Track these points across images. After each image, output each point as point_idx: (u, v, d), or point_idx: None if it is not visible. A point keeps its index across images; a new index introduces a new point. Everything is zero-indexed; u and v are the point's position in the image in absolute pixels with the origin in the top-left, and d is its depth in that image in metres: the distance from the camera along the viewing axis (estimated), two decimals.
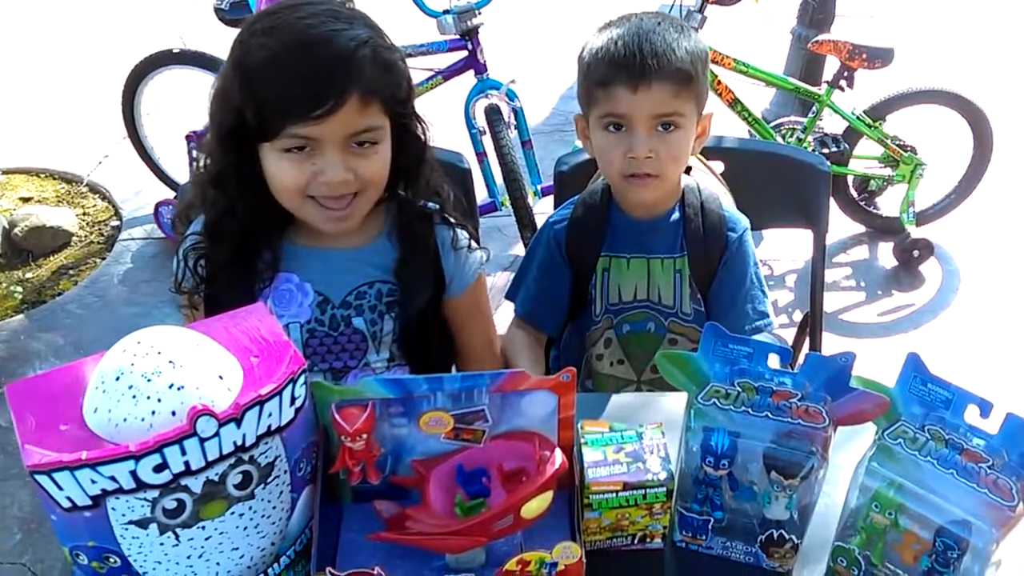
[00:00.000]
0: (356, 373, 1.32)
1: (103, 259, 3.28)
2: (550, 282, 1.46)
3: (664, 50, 1.27)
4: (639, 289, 1.45)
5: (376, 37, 1.16)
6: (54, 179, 3.79)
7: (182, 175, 3.29)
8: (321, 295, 1.29)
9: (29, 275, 3.19)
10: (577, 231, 1.44)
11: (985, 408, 0.87)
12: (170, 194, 3.34)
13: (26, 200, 3.60)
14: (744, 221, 1.46)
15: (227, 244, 1.23)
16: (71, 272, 3.22)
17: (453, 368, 1.46)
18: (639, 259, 1.44)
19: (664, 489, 0.96)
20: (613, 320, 1.47)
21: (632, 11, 1.36)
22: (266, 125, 1.13)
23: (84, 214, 3.56)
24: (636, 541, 1.02)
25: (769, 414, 0.93)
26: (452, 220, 1.35)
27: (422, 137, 1.27)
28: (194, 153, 3.14)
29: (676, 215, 1.43)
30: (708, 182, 1.48)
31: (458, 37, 2.79)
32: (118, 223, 3.49)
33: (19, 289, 3.09)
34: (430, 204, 1.33)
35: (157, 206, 3.27)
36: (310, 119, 1.10)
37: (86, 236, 3.42)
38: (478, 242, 1.40)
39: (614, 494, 0.96)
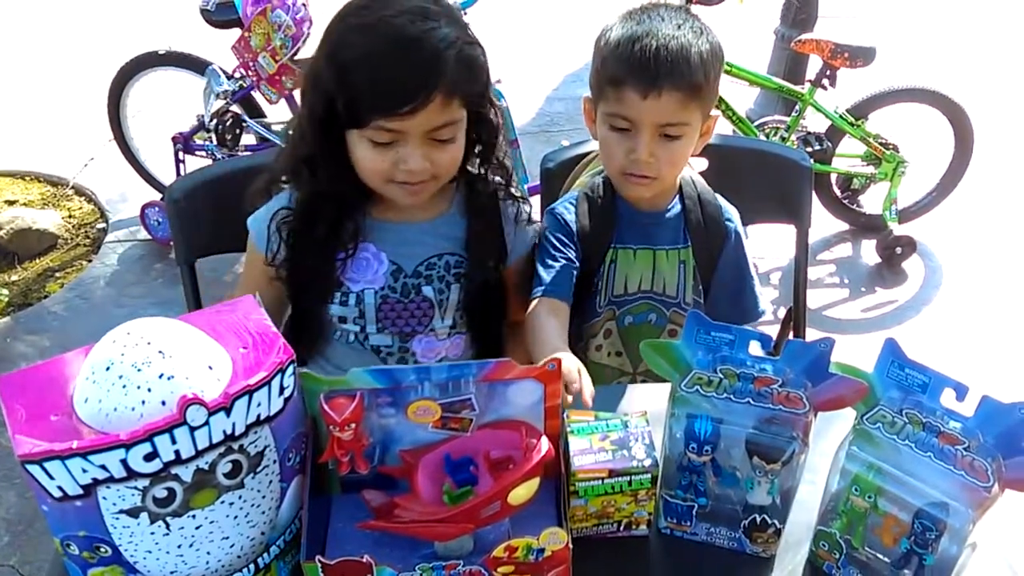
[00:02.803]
0: (421, 338, 1.41)
1: (89, 261, 3.27)
2: (566, 254, 1.44)
3: (679, 59, 1.27)
4: (643, 280, 1.47)
5: (462, 34, 1.24)
6: (39, 182, 3.78)
7: (168, 177, 3.28)
8: (395, 264, 1.37)
9: (15, 278, 3.18)
10: (587, 224, 1.45)
11: (961, 391, 0.89)
12: (156, 196, 3.33)
13: (11, 203, 3.58)
14: (734, 211, 1.50)
15: (321, 219, 1.32)
16: (57, 274, 3.21)
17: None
18: (645, 250, 1.46)
19: (649, 475, 0.98)
20: (616, 312, 1.49)
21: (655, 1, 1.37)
22: (356, 116, 1.21)
23: (70, 216, 3.55)
24: (622, 528, 1.03)
25: (751, 400, 0.95)
26: (516, 195, 1.44)
27: (495, 120, 1.34)
28: (180, 155, 3.14)
29: (677, 207, 1.46)
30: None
31: None
32: (104, 225, 3.48)
33: (5, 292, 3.08)
34: (497, 179, 1.41)
35: (143, 208, 3.26)
36: (396, 115, 1.18)
37: (72, 238, 3.41)
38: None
39: (600, 481, 0.97)
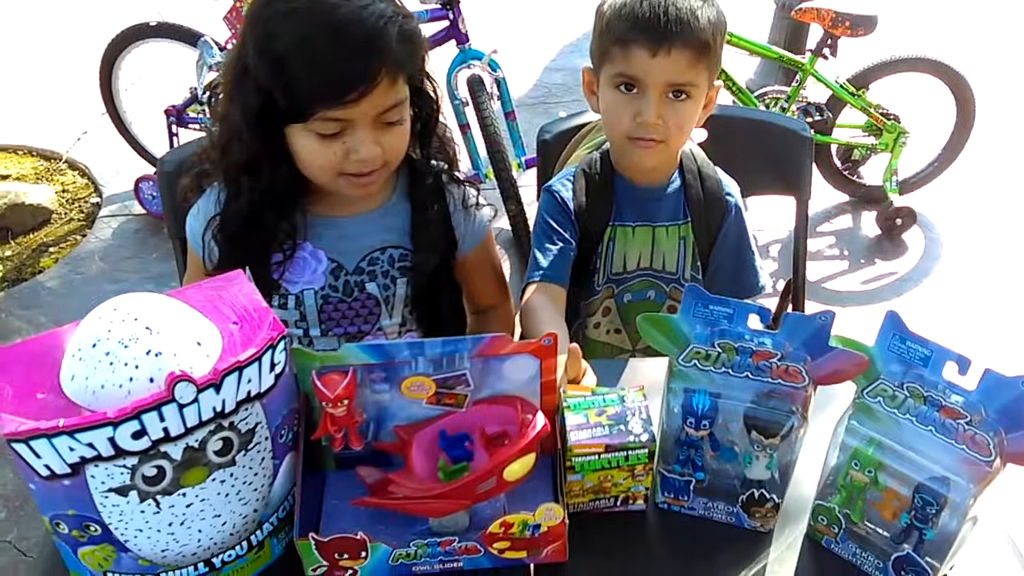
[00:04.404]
0: (370, 338, 1.35)
1: (83, 236, 3.25)
2: (563, 236, 1.42)
3: (688, 16, 1.25)
4: (642, 257, 1.45)
5: (397, 7, 1.16)
6: (32, 156, 3.75)
7: (161, 149, 3.26)
8: (335, 262, 1.30)
9: (8, 253, 3.16)
10: (584, 202, 1.42)
11: (963, 365, 0.87)
12: (150, 169, 3.31)
13: (4, 177, 3.55)
14: (734, 185, 1.48)
15: (262, 224, 1.24)
16: (51, 249, 3.19)
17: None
18: (644, 227, 1.44)
19: (646, 451, 0.97)
20: (615, 289, 1.47)
21: None
22: (298, 109, 1.13)
23: (63, 191, 3.52)
24: (619, 503, 1.02)
25: (749, 374, 0.94)
26: (460, 178, 1.37)
27: (433, 95, 1.27)
28: (173, 128, 3.11)
29: (677, 182, 1.44)
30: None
31: (439, 7, 2.76)
32: (98, 199, 3.46)
33: None
34: (439, 163, 1.35)
35: (137, 181, 3.24)
36: (343, 103, 1.11)
37: (66, 213, 3.39)
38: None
39: (596, 456, 0.96)
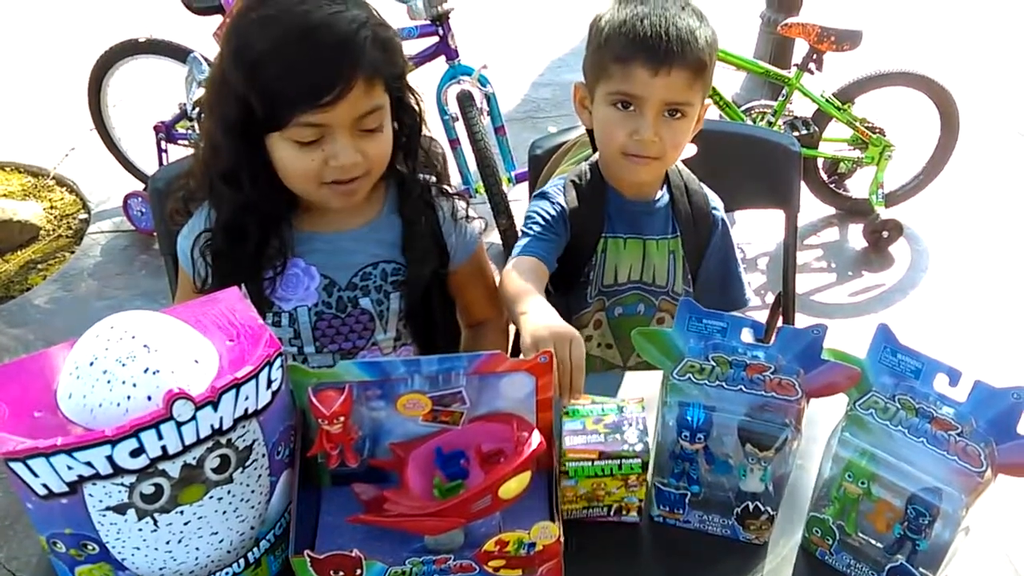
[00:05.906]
0: (365, 353, 1.35)
1: (72, 253, 3.23)
2: (554, 228, 1.40)
3: (688, 37, 1.27)
4: (633, 270, 1.46)
5: (371, 15, 1.17)
6: (20, 172, 3.73)
7: (150, 166, 3.25)
8: (327, 278, 1.30)
9: None
10: (577, 213, 1.42)
11: (954, 377, 0.89)
12: (139, 186, 3.30)
13: None
14: (718, 200, 1.49)
15: (247, 237, 1.24)
16: (40, 266, 3.17)
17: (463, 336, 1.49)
18: (635, 240, 1.44)
19: (639, 461, 0.97)
20: (605, 302, 1.48)
21: None
22: (275, 116, 1.13)
23: (51, 207, 3.50)
24: (612, 513, 1.03)
25: (743, 388, 0.95)
26: (449, 191, 1.37)
27: (417, 108, 1.28)
28: (163, 144, 3.11)
29: (665, 197, 1.45)
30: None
31: (428, 22, 2.77)
32: (86, 216, 3.45)
33: None
34: (427, 176, 1.35)
35: (126, 198, 3.23)
36: (319, 107, 1.11)
37: (54, 230, 3.37)
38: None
39: (590, 462, 0.97)
